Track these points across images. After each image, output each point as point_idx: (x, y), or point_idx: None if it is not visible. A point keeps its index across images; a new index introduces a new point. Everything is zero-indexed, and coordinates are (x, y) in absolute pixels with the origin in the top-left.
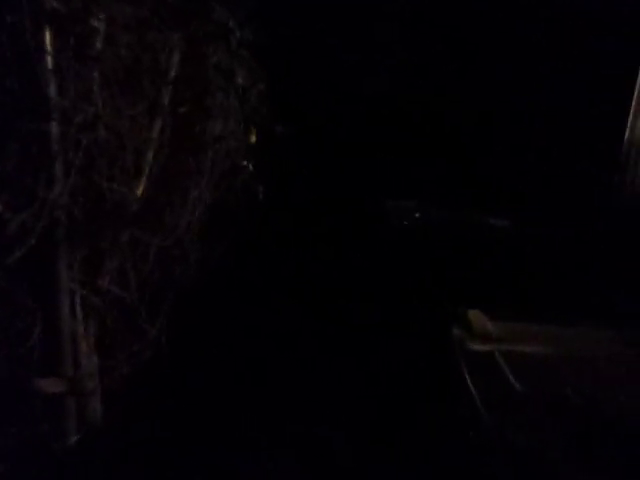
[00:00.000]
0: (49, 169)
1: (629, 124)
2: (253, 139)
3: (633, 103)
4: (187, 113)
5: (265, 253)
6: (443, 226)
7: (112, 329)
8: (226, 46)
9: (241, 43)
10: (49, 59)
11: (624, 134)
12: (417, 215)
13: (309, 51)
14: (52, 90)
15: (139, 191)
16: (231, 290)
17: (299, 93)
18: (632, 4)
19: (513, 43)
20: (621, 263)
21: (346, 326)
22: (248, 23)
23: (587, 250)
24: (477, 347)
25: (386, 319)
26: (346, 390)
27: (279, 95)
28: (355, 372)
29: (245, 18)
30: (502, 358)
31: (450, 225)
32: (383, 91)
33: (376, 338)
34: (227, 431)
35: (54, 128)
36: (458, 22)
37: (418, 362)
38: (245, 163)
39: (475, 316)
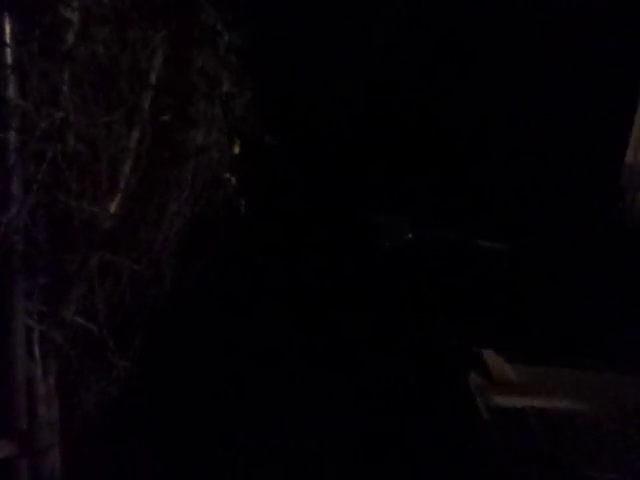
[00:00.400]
0: (5, 185)
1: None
2: (237, 150)
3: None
4: (168, 121)
5: (248, 270)
6: (436, 248)
7: (76, 367)
8: (213, 50)
9: (229, 47)
10: (8, 52)
11: (624, 155)
12: (409, 236)
13: (300, 58)
14: (11, 91)
15: (113, 208)
16: (212, 310)
17: (288, 102)
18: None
19: (510, 58)
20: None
21: (334, 343)
22: (237, 26)
23: (594, 276)
24: (501, 400)
25: (376, 338)
26: (334, 405)
27: (267, 103)
28: (343, 387)
29: (234, 21)
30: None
31: (444, 247)
32: (377, 101)
33: (365, 355)
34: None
35: (12, 137)
36: (455, 34)
37: (407, 379)
38: (228, 175)
39: (492, 359)
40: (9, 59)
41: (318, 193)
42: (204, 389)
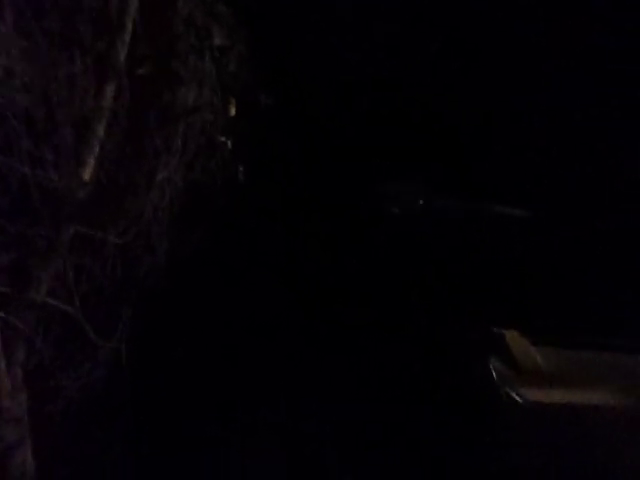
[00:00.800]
0: None
1: None
2: (232, 111)
3: None
4: (151, 77)
5: (246, 241)
6: (451, 215)
7: (51, 354)
8: None
9: None
10: None
11: None
12: (420, 202)
13: (297, 8)
14: None
15: (86, 176)
16: (208, 283)
17: (285, 58)
18: None
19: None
20: None
21: (336, 320)
22: None
23: (624, 247)
24: (527, 392)
25: (380, 317)
26: (333, 386)
27: (262, 60)
28: (343, 369)
29: None
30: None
31: (459, 214)
32: (384, 56)
33: (368, 335)
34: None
35: None
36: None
37: (414, 365)
38: (223, 139)
39: (515, 342)
40: None
41: (321, 158)
42: (197, 366)
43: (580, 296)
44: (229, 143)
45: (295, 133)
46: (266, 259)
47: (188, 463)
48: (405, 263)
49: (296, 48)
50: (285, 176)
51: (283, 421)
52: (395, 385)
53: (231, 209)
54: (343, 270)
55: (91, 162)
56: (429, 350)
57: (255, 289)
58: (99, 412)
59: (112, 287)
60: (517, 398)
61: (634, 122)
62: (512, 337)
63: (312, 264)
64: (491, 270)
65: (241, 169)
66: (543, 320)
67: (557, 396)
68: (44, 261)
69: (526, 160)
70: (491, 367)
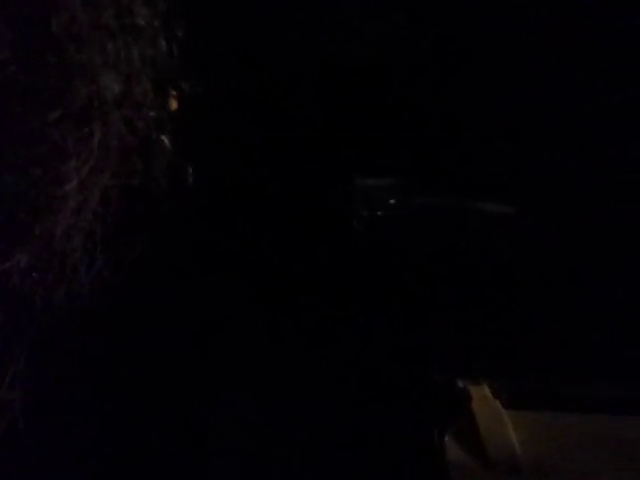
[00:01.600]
0: None
1: None
2: (174, 105)
3: None
4: (43, 68)
5: (201, 249)
6: (429, 216)
7: None
8: None
9: None
10: None
11: None
12: (392, 202)
13: None
14: None
15: None
16: (156, 295)
17: (234, 39)
18: None
19: None
20: None
21: (299, 331)
22: None
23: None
24: None
25: (343, 319)
26: (301, 385)
27: (206, 43)
28: (303, 367)
29: None
30: None
31: (438, 215)
32: (348, 28)
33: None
34: None
35: None
36: None
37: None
38: (162, 137)
39: (484, 407)
40: None
41: (280, 155)
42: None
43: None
44: (167, 141)
45: (251, 128)
46: (222, 264)
47: (148, 464)
48: (373, 270)
49: (248, 27)
50: (241, 177)
51: (249, 419)
52: (364, 387)
53: (181, 214)
54: (305, 273)
55: None
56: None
57: (213, 295)
58: None
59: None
60: None
61: (618, 119)
62: (479, 399)
63: (273, 268)
64: (470, 284)
65: (190, 170)
66: (527, 364)
67: None
68: None
69: (510, 154)
70: (446, 455)
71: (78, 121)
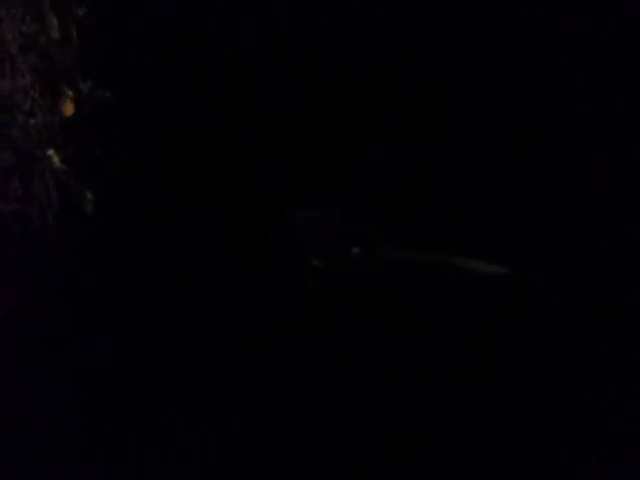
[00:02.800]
0: None
1: None
2: (70, 110)
3: None
4: None
5: (102, 289)
6: (399, 274)
7: None
8: None
9: None
10: None
11: None
12: (354, 251)
13: None
14: None
15: None
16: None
17: (142, 36)
18: None
19: None
20: None
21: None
22: None
23: None
24: None
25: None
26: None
27: (107, 41)
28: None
29: None
30: None
31: (411, 273)
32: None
33: None
34: None
35: None
36: None
37: None
38: (50, 152)
39: None
40: None
41: (204, 175)
42: None
43: None
44: (57, 159)
45: (166, 145)
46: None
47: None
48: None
49: (162, 24)
50: (153, 205)
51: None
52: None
53: (75, 250)
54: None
55: None
56: None
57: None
58: None
59: None
60: None
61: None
62: None
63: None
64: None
65: (90, 197)
66: None
67: None
68: None
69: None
70: None
71: None
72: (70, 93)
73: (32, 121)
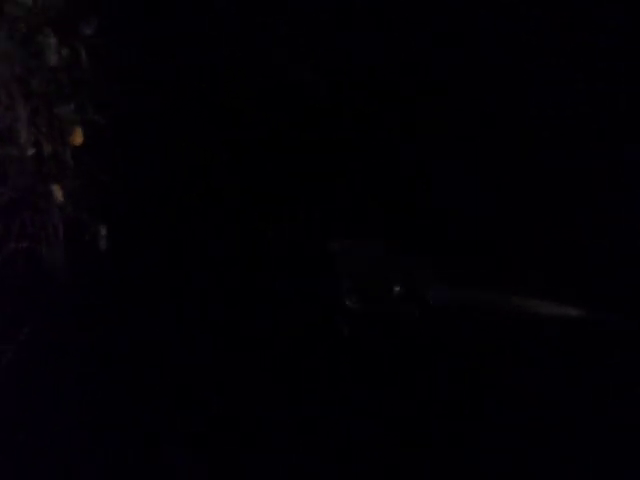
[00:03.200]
0: None
1: None
2: (79, 140)
3: None
4: None
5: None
6: (462, 322)
7: None
8: None
9: None
10: None
11: None
12: (397, 289)
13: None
14: None
15: None
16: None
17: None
18: None
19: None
20: None
21: None
22: None
23: None
24: None
25: None
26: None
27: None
28: None
29: None
30: None
31: (478, 321)
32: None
33: None
34: None
35: None
36: None
37: None
38: (54, 187)
39: None
40: None
41: (224, 213)
42: None
43: None
44: (57, 191)
45: (182, 178)
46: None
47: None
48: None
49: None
50: (171, 243)
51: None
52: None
53: (90, 292)
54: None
55: None
56: None
57: None
58: None
59: None
60: None
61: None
62: None
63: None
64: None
65: (103, 233)
66: None
67: None
68: None
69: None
70: None
71: None
72: (77, 124)
73: (31, 152)
